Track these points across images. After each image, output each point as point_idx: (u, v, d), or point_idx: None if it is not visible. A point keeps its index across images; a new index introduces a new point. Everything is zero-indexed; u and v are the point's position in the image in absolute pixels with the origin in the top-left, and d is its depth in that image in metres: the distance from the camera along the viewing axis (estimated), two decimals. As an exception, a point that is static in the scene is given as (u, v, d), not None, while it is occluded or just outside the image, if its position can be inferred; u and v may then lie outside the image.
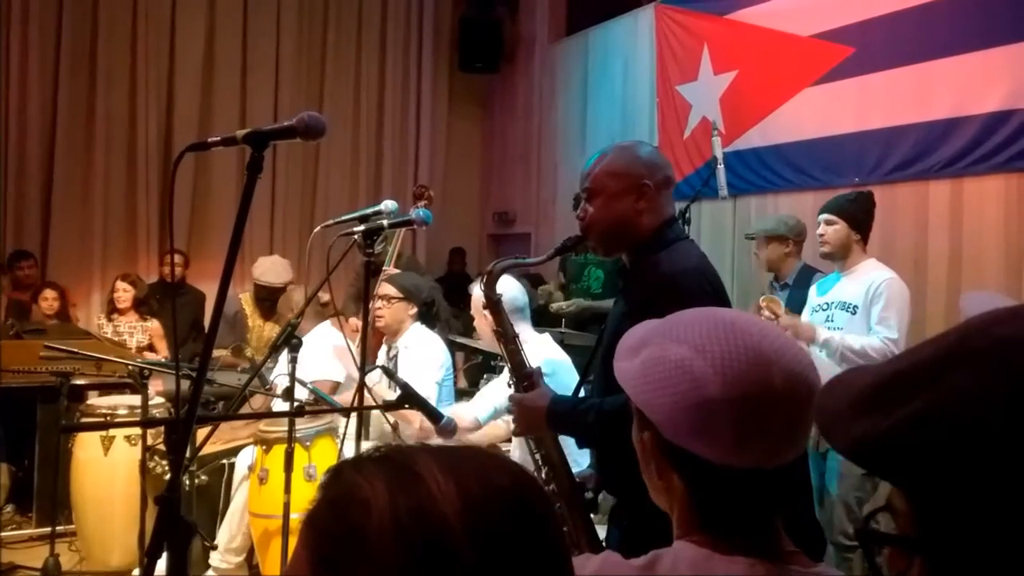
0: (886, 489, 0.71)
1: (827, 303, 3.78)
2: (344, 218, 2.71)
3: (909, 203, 4.77)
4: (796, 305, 4.26)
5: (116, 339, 5.58)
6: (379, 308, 3.89)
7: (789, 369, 1.00)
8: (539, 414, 2.04)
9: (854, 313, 3.63)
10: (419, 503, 0.71)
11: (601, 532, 2.18)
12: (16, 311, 5.89)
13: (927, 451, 0.64)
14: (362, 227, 2.56)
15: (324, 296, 4.10)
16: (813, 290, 3.94)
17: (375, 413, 3.41)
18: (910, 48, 4.70)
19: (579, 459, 2.60)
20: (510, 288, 3.34)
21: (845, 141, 5.13)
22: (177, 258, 6.59)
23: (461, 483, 0.73)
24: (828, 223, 3.73)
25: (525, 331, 3.32)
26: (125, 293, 5.78)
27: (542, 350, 3.29)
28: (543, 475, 2.12)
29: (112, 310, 5.86)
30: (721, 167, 4.50)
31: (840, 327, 3.66)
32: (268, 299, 5.27)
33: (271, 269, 5.21)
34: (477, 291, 3.45)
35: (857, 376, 0.73)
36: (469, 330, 5.49)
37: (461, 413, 3.46)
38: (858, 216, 3.72)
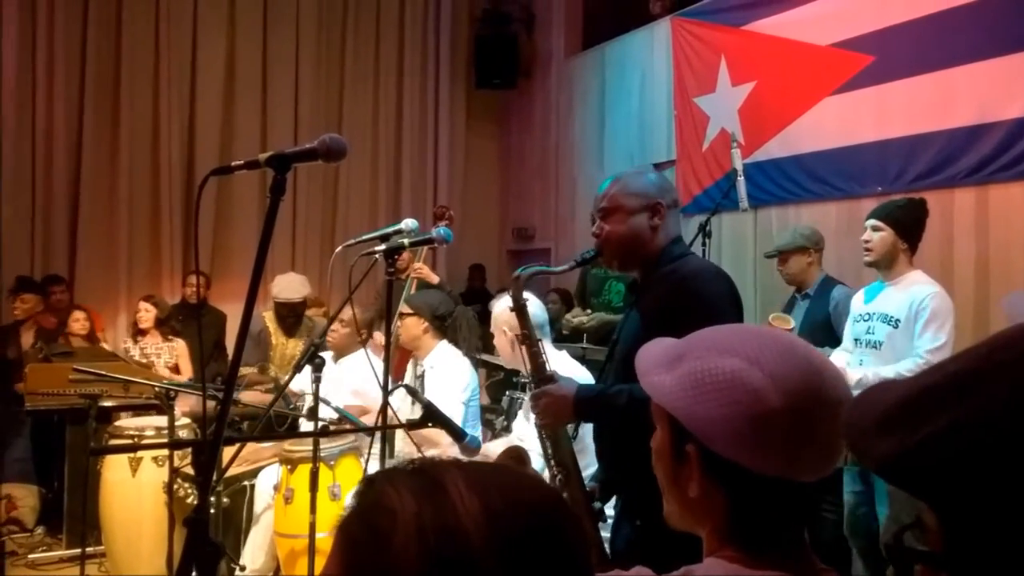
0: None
1: (869, 313, 3.64)
2: (365, 237, 2.73)
3: (934, 212, 4.68)
4: (816, 316, 4.22)
5: (144, 361, 5.65)
6: (398, 326, 3.98)
7: (837, 380, 1.02)
8: (566, 402, 2.11)
9: (895, 327, 3.50)
10: (443, 517, 0.72)
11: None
12: (44, 335, 5.97)
13: (953, 468, 0.63)
14: (383, 246, 2.57)
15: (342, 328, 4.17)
16: (860, 297, 3.79)
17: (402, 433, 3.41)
18: (931, 55, 4.67)
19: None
20: (531, 305, 3.34)
21: (866, 150, 5.09)
22: (200, 279, 6.66)
23: (486, 499, 0.74)
24: (874, 229, 3.58)
25: (542, 341, 3.32)
26: (147, 313, 5.85)
27: (563, 369, 3.28)
28: (556, 481, 2.18)
29: (136, 332, 5.94)
30: (740, 179, 4.47)
31: (880, 340, 3.56)
32: (290, 315, 5.30)
33: (288, 286, 5.25)
34: (499, 307, 3.45)
35: (884, 391, 0.72)
36: (489, 346, 5.49)
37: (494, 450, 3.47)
38: (906, 223, 3.58)
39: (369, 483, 0.78)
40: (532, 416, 2.24)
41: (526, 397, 3.93)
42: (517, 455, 2.22)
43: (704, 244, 4.33)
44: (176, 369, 5.75)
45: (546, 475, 2.29)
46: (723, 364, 1.00)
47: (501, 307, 3.41)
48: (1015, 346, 0.65)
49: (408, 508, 0.73)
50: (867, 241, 3.61)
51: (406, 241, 2.59)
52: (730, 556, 1.00)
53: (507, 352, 3.45)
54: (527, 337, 2.27)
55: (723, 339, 1.05)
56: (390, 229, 2.68)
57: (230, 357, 5.43)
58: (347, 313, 3.78)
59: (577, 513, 0.83)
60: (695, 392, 1.01)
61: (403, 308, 4.01)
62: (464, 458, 2.40)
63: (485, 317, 6.09)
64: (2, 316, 6.46)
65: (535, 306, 3.39)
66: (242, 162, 1.61)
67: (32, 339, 5.90)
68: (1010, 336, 0.66)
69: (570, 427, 2.31)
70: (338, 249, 2.77)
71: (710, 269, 2.14)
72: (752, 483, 0.98)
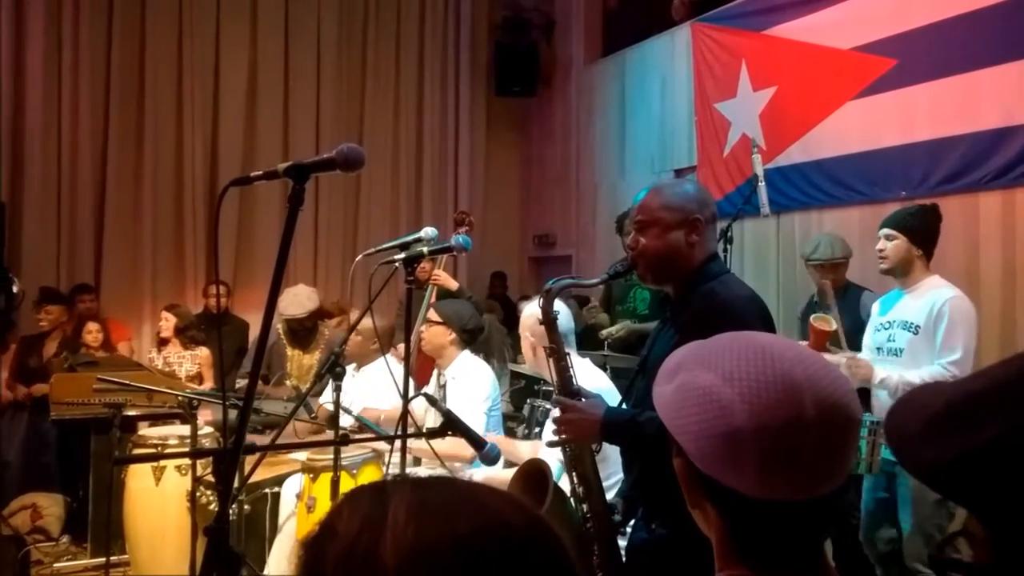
0: (964, 515, 0.68)
1: (889, 322, 3.62)
2: (385, 246, 2.74)
3: (959, 216, 4.66)
4: (848, 322, 4.17)
5: (167, 370, 5.68)
6: (423, 332, 4.01)
7: (823, 398, 0.95)
8: (593, 423, 2.08)
9: (915, 333, 3.47)
10: (372, 547, 0.71)
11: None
12: (68, 345, 6.03)
13: (1003, 477, 0.61)
14: (403, 254, 2.57)
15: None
16: (876, 307, 3.79)
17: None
18: (955, 58, 4.62)
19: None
20: (561, 314, 3.33)
21: (890, 154, 5.04)
22: (221, 289, 6.69)
23: (421, 532, 0.72)
24: (888, 238, 3.56)
25: (572, 354, 3.32)
26: (166, 323, 5.91)
27: (586, 377, 3.27)
28: (579, 492, 2.18)
29: (160, 342, 6.00)
30: (762, 184, 4.45)
31: (901, 347, 3.53)
32: (299, 329, 5.26)
33: (294, 301, 5.20)
34: (528, 311, 3.44)
35: (930, 395, 0.69)
36: (515, 354, 5.47)
37: (522, 450, 3.47)
38: (919, 230, 3.54)
39: (343, 499, 0.79)
40: (551, 427, 2.22)
41: (548, 405, 3.92)
42: (537, 468, 2.20)
43: (726, 250, 4.30)
44: (199, 378, 5.78)
45: (566, 486, 2.28)
46: (701, 379, 0.98)
47: (529, 312, 3.39)
48: None
49: (349, 533, 0.73)
50: (881, 250, 3.58)
51: (425, 249, 2.59)
52: (738, 575, 0.97)
53: (531, 356, 3.42)
54: (555, 351, 2.24)
55: (711, 352, 1.02)
56: (410, 238, 2.69)
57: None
58: (362, 322, 3.78)
59: (554, 545, 0.78)
60: (679, 406, 1.00)
61: (432, 316, 4.01)
62: (481, 473, 2.38)
63: (507, 323, 6.07)
64: (26, 326, 6.51)
65: (565, 314, 3.38)
66: (261, 172, 1.61)
67: (56, 349, 5.96)
68: None
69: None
70: (358, 258, 2.78)
71: (745, 296, 2.08)
72: (736, 500, 0.95)
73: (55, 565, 4.85)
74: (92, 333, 6.06)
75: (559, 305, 3.36)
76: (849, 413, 0.96)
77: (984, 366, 0.71)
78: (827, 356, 3.49)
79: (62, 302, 6.30)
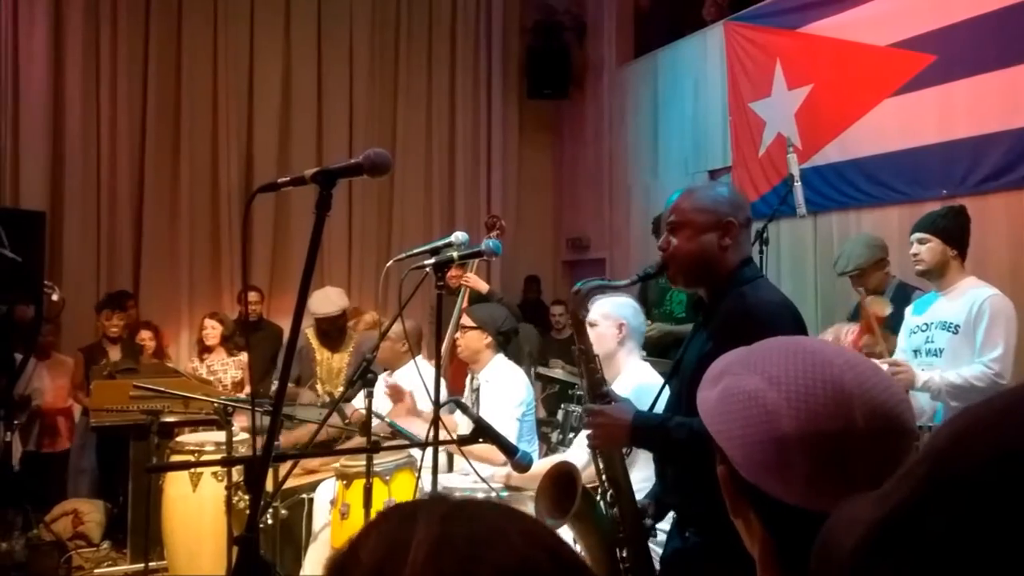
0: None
1: (926, 323, 3.58)
2: (416, 251, 2.73)
3: (1002, 214, 4.55)
4: (895, 323, 4.09)
5: (210, 377, 5.74)
6: (458, 338, 4.02)
7: (874, 406, 0.91)
8: (622, 427, 2.05)
9: (955, 332, 3.43)
10: None
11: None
12: (129, 351, 6.09)
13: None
14: (433, 259, 2.56)
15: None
16: (909, 311, 3.74)
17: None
18: (995, 53, 4.52)
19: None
20: (627, 310, 3.35)
21: (930, 152, 4.95)
22: (254, 295, 6.74)
23: (442, 569, 0.69)
24: (921, 242, 3.54)
25: (634, 354, 3.34)
26: (212, 331, 5.97)
27: (637, 373, 3.25)
28: (608, 497, 2.15)
29: (203, 349, 6.04)
30: (798, 184, 4.38)
31: (941, 347, 3.48)
32: (332, 329, 5.24)
33: (324, 301, 5.18)
34: (603, 304, 3.38)
35: (844, 532, 0.61)
36: (545, 359, 5.44)
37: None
38: (952, 231, 3.51)
39: (373, 521, 0.76)
40: (584, 432, 2.20)
41: (580, 410, 3.89)
42: (566, 471, 2.17)
43: (761, 252, 4.23)
44: (242, 384, 5.83)
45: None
46: (746, 383, 0.95)
47: (605, 309, 3.36)
48: (957, 457, 0.53)
49: (370, 561, 0.70)
50: (915, 255, 3.56)
51: (455, 254, 2.58)
52: None
53: (611, 345, 3.33)
54: (584, 353, 2.22)
55: (756, 356, 0.99)
56: (440, 242, 2.68)
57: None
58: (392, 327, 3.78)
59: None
60: (723, 411, 0.96)
61: (466, 321, 3.99)
62: (520, 491, 2.34)
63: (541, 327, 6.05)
64: (83, 334, 6.62)
65: (632, 312, 3.35)
66: (288, 178, 1.61)
67: (120, 354, 6.03)
68: (947, 443, 0.55)
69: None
70: (388, 264, 2.77)
71: (777, 302, 2.04)
72: (781, 511, 0.91)
73: (96, 571, 4.92)
74: (144, 340, 6.14)
75: (627, 302, 3.33)
76: (902, 423, 0.92)
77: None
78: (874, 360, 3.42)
79: (120, 308, 6.38)
